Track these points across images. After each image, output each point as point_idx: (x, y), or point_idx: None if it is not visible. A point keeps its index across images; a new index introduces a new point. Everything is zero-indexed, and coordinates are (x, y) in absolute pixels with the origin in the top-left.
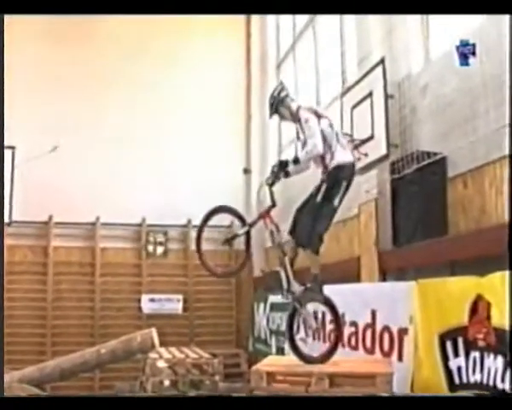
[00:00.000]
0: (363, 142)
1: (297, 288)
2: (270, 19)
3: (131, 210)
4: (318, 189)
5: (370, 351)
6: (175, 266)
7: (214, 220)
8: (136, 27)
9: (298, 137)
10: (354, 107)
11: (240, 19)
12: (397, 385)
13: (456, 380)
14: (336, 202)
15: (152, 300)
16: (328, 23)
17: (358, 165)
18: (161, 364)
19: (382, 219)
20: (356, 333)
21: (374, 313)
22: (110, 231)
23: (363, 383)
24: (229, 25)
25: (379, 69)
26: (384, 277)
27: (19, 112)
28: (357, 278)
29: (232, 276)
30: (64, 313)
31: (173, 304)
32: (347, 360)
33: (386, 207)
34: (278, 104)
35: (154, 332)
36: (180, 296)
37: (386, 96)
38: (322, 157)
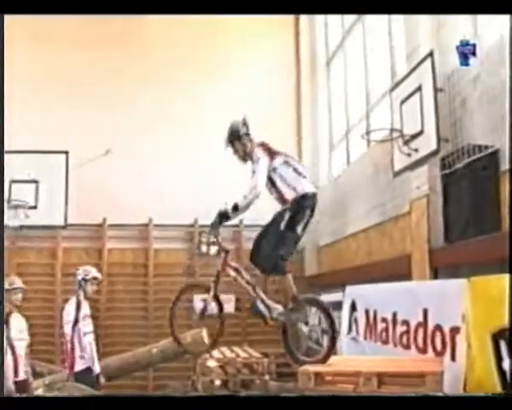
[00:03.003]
0: (413, 137)
1: (279, 311)
2: (319, 17)
3: (184, 211)
4: (281, 216)
5: (422, 350)
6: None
7: (263, 219)
8: (184, 28)
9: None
10: (403, 101)
11: (288, 18)
12: (449, 385)
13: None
14: (299, 229)
15: (204, 300)
16: (376, 18)
17: (409, 161)
18: (212, 363)
19: (434, 215)
20: (407, 332)
21: (425, 312)
22: (163, 233)
23: (412, 382)
24: (277, 24)
25: (428, 62)
26: (436, 274)
27: (72, 117)
28: (408, 276)
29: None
30: (118, 314)
31: (225, 304)
32: (397, 360)
33: (437, 203)
34: (235, 139)
35: (204, 332)
36: (232, 296)
37: (436, 90)
38: (281, 194)
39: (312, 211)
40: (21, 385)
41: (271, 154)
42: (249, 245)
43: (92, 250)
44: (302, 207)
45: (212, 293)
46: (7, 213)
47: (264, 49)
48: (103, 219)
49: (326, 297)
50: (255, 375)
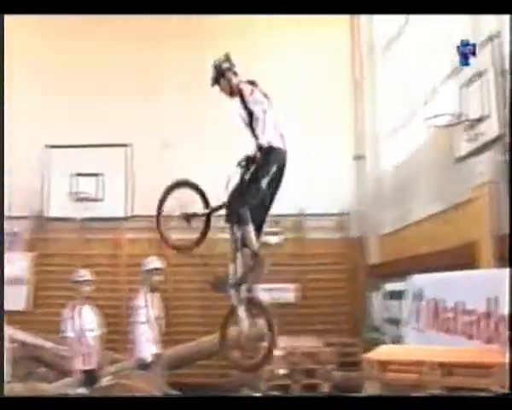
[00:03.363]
0: (477, 122)
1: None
2: None
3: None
4: (247, 167)
5: (488, 341)
6: (289, 255)
7: (323, 208)
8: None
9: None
10: (466, 85)
11: None
12: None
13: None
14: (263, 183)
15: (266, 289)
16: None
17: (472, 146)
18: (275, 353)
19: (499, 201)
20: (472, 322)
21: (491, 301)
22: (224, 223)
23: (477, 373)
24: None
25: (491, 45)
26: (501, 262)
27: (133, 111)
28: (472, 264)
29: (189, 250)
30: (182, 304)
31: (287, 293)
32: (461, 350)
33: (502, 189)
34: (219, 75)
35: (263, 321)
36: (294, 286)
37: (501, 73)
38: (254, 130)
39: (280, 169)
40: (91, 374)
41: (265, 94)
42: None
43: (155, 241)
44: (268, 160)
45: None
46: (73, 206)
47: (322, 36)
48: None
49: (390, 287)
50: (318, 364)
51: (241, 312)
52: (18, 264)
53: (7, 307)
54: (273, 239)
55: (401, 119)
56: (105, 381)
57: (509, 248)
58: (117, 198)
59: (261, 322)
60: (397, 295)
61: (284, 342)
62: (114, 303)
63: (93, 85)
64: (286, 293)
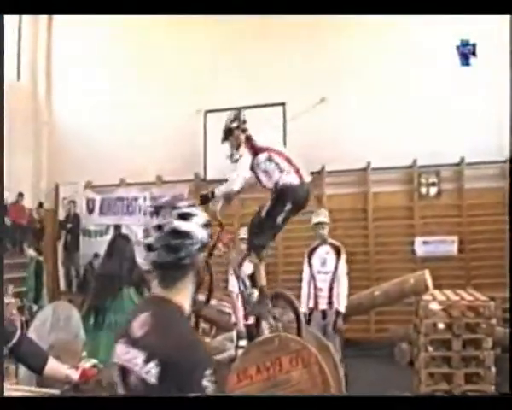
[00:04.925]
0: None
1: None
2: None
3: (402, 153)
4: (263, 206)
5: None
6: (448, 206)
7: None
8: None
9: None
10: None
11: None
12: None
13: None
14: (279, 220)
15: (425, 242)
16: None
17: None
18: (435, 306)
19: None
20: None
21: None
22: (381, 176)
23: None
24: None
25: None
26: None
27: (288, 67)
28: None
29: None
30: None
31: (448, 246)
32: None
33: None
34: (228, 133)
35: (427, 274)
36: (455, 238)
37: None
38: (264, 187)
39: (295, 203)
40: (252, 328)
41: (255, 150)
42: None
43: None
44: (282, 199)
45: None
46: (230, 167)
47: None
48: (322, 166)
49: None
50: (481, 318)
51: None
52: None
53: None
54: (432, 191)
55: None
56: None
57: (509, 249)
58: None
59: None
60: None
61: (445, 296)
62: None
63: (246, 47)
64: (448, 246)
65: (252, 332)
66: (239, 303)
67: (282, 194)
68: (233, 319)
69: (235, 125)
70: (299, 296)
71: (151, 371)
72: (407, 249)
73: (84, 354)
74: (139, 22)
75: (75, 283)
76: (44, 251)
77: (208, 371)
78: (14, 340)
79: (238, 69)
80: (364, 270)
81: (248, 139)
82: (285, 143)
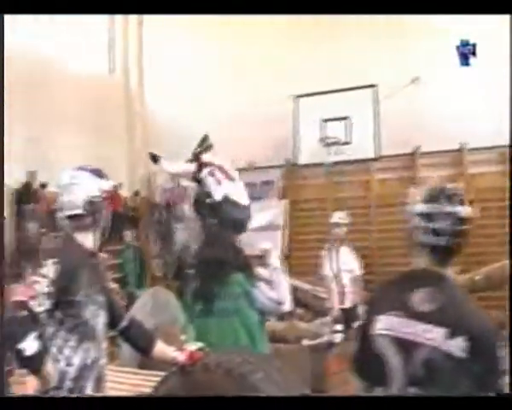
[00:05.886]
0: None
1: None
2: None
3: (498, 132)
4: None
5: None
6: None
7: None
8: None
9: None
10: None
11: None
12: None
13: None
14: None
15: None
16: None
17: None
18: None
19: None
20: None
21: None
22: (477, 157)
23: None
24: None
25: None
26: None
27: (379, 48)
28: None
29: None
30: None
31: None
32: None
33: None
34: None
35: None
36: None
37: None
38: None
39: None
40: (348, 313)
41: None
42: None
43: (405, 180)
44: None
45: None
46: (322, 151)
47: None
48: (415, 147)
49: None
50: None
51: None
52: (273, 211)
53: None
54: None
55: None
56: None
57: (509, 242)
58: (365, 140)
59: None
60: None
61: None
62: (367, 244)
63: (335, 31)
64: None
65: (348, 317)
66: (334, 287)
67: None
68: (328, 303)
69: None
70: None
71: (459, 346)
72: (504, 232)
73: (183, 337)
74: (233, 19)
75: (171, 269)
76: (141, 238)
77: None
78: (125, 323)
79: (327, 53)
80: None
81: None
82: (377, 125)
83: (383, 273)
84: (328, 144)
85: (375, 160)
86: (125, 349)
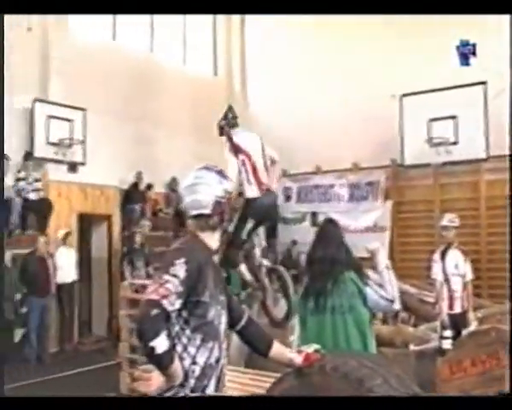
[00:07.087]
0: None
1: None
2: None
3: None
4: (232, 220)
5: None
6: None
7: None
8: None
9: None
10: None
11: None
12: None
13: None
14: (243, 234)
15: None
16: None
17: None
18: None
19: None
20: None
21: None
22: None
23: None
24: None
25: None
26: None
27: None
28: None
29: None
30: None
31: None
32: None
33: None
34: (221, 130)
35: None
36: None
37: None
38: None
39: (257, 220)
40: (458, 318)
41: (235, 149)
42: None
43: None
44: (245, 214)
45: None
46: (428, 151)
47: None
48: None
49: None
50: None
51: None
52: (378, 212)
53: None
54: None
55: None
56: (473, 326)
57: (509, 243)
58: (474, 140)
59: None
60: None
61: None
62: (476, 248)
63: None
64: None
65: (457, 322)
66: (444, 292)
67: (245, 210)
68: (436, 308)
69: (224, 122)
70: None
71: None
72: None
73: (292, 338)
74: (330, 20)
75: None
76: None
77: None
78: (243, 323)
79: (433, 51)
80: None
81: (229, 139)
82: (487, 124)
83: (491, 279)
84: (435, 144)
85: (484, 160)
86: (233, 348)
